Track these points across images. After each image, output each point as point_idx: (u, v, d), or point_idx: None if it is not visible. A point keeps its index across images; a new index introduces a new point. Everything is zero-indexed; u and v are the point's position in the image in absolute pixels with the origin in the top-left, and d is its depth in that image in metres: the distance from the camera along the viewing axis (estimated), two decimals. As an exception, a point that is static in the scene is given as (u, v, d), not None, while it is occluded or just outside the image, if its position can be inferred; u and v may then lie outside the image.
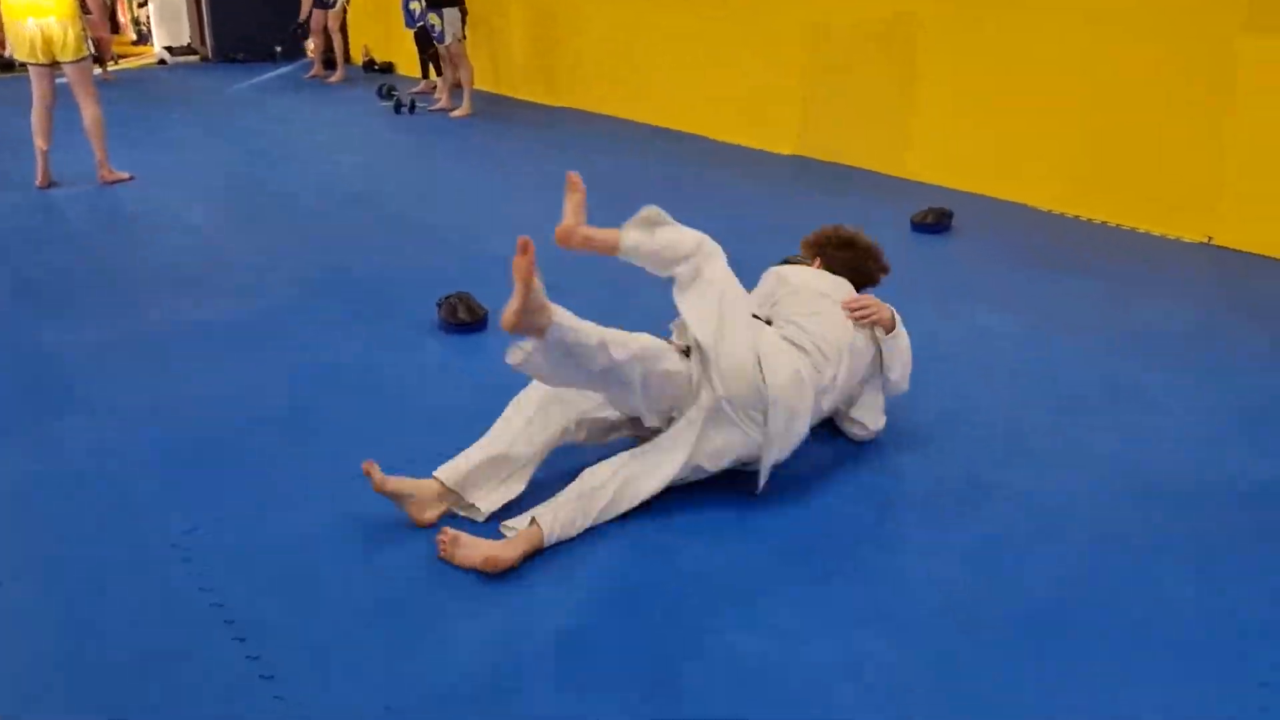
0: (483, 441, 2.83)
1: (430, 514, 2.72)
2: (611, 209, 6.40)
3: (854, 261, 3.25)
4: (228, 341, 3.99)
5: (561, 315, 2.62)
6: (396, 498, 2.71)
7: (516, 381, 3.49)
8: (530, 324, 2.56)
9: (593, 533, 2.69)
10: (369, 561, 2.60)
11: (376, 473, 2.68)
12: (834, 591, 2.47)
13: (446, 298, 4.14)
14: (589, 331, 2.65)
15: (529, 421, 2.85)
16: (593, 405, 2.92)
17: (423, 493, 2.72)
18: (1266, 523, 2.73)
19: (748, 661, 2.22)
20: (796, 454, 2.96)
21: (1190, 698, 2.12)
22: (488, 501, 2.77)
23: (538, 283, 2.57)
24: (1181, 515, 2.76)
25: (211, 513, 2.79)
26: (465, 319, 4.05)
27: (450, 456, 2.87)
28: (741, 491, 2.87)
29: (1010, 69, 5.86)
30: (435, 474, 2.75)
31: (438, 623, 2.37)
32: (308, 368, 3.72)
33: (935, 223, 5.38)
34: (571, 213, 2.97)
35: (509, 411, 2.90)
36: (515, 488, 2.80)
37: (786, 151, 7.25)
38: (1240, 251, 5.03)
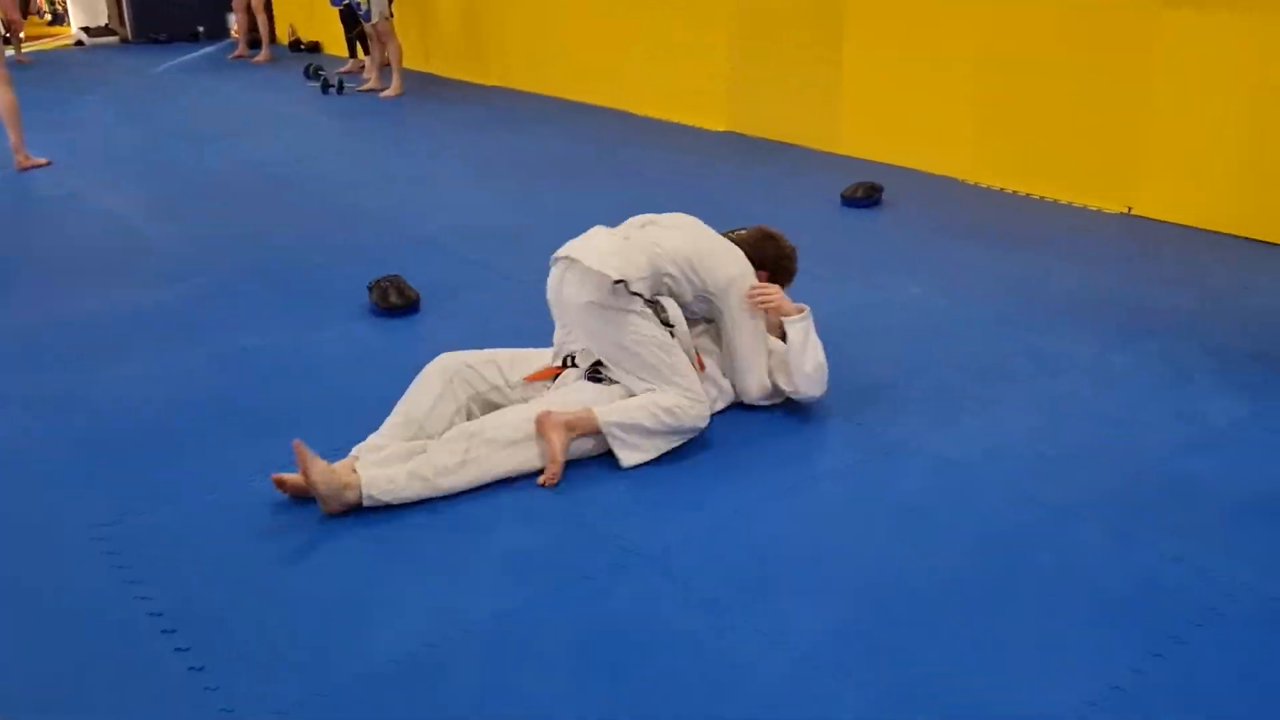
0: (394, 426, 2.90)
1: (348, 500, 2.68)
2: (543, 186, 6.41)
3: (767, 252, 3.24)
4: (150, 328, 3.91)
5: (370, 487, 2.66)
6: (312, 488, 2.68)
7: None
8: (343, 506, 2.65)
9: (525, 512, 2.70)
10: (298, 548, 2.58)
11: (289, 477, 2.72)
12: (764, 564, 2.50)
13: (377, 281, 4.10)
14: (404, 485, 2.70)
15: (437, 398, 2.94)
16: (489, 387, 3.02)
17: (334, 486, 2.64)
18: (1178, 487, 2.81)
19: (682, 637, 2.25)
20: (727, 426, 3.01)
21: (1091, 665, 2.19)
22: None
23: (320, 471, 2.62)
24: (1097, 481, 2.83)
25: (135, 502, 2.74)
26: (396, 302, 4.02)
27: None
28: (671, 467, 2.90)
29: (938, 43, 5.92)
30: (357, 469, 2.71)
31: (371, 607, 2.36)
32: (233, 354, 3.66)
33: (865, 197, 5.44)
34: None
35: (414, 393, 2.97)
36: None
37: (719, 128, 7.26)
38: (1159, 221, 5.15)
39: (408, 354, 3.66)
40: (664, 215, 3.23)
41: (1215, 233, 4.95)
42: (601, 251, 2.92)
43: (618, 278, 2.87)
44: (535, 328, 3.82)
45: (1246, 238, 4.85)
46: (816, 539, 2.60)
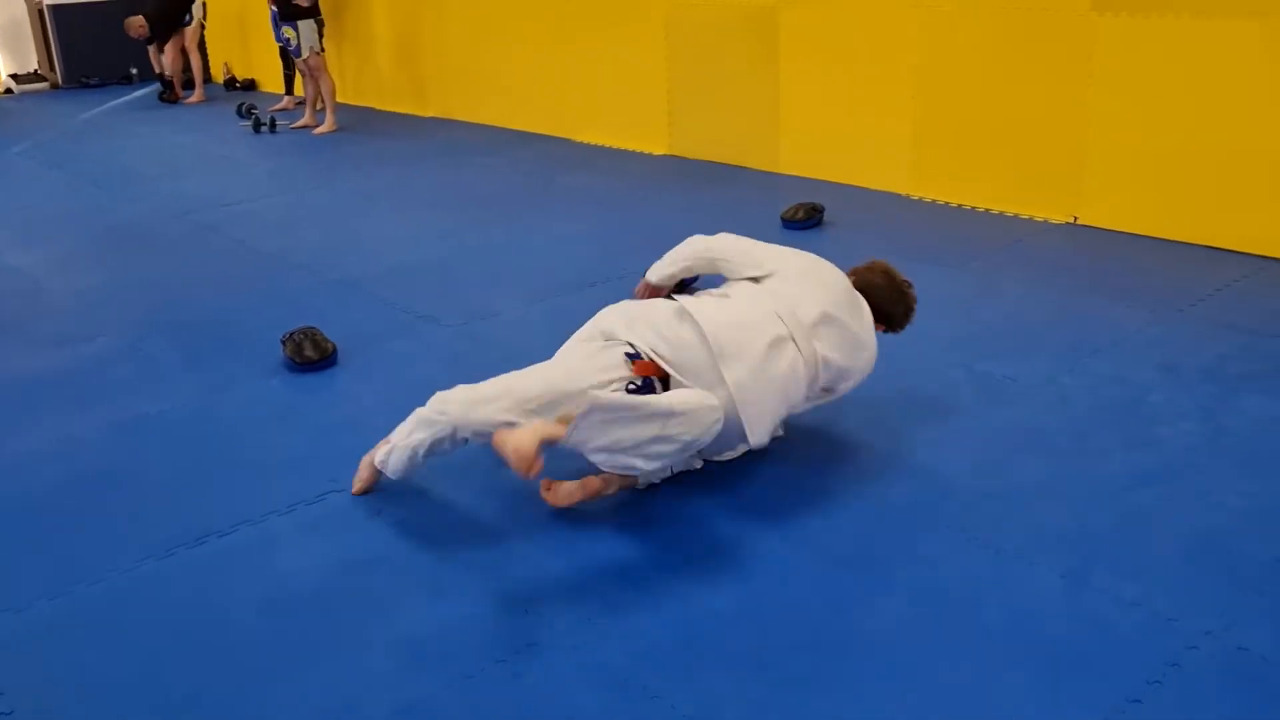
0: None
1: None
2: (478, 219, 6.20)
3: (896, 312, 3.07)
4: (42, 395, 3.66)
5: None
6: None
7: (366, 421, 3.28)
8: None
9: (434, 584, 2.49)
10: (176, 638, 2.35)
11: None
12: (689, 634, 2.30)
13: (291, 334, 3.88)
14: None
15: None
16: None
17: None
18: (1132, 523, 2.64)
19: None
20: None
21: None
22: None
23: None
24: (1045, 520, 2.66)
25: (6, 598, 2.51)
26: (312, 356, 3.79)
27: (291, 509, 2.82)
28: (599, 528, 2.70)
29: (873, 58, 5.79)
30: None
31: (256, 705, 2.14)
32: (132, 421, 3.42)
33: (806, 219, 5.28)
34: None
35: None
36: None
37: (659, 152, 7.11)
38: (1105, 230, 5.03)
39: (322, 411, 3.47)
40: (785, 265, 2.92)
41: (1163, 240, 4.83)
42: (764, 413, 2.63)
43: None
44: (453, 378, 3.63)
45: (1194, 244, 4.73)
46: (746, 600, 2.41)
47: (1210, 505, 2.69)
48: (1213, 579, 2.40)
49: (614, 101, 7.39)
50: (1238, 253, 4.59)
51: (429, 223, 5.75)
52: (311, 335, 3.86)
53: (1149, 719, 2.00)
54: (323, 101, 8.58)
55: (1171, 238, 4.82)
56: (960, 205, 5.57)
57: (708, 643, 2.27)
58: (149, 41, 10.76)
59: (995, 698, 2.07)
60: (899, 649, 2.22)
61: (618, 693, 2.13)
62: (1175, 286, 4.28)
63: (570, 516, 2.75)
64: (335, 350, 3.85)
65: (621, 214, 5.77)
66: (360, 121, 8.91)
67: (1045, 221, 5.23)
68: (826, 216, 5.37)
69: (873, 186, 5.92)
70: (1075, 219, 5.18)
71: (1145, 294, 4.21)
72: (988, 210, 5.45)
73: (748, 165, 6.53)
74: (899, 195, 5.79)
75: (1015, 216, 5.34)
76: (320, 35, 8.42)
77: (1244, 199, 4.59)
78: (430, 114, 9.00)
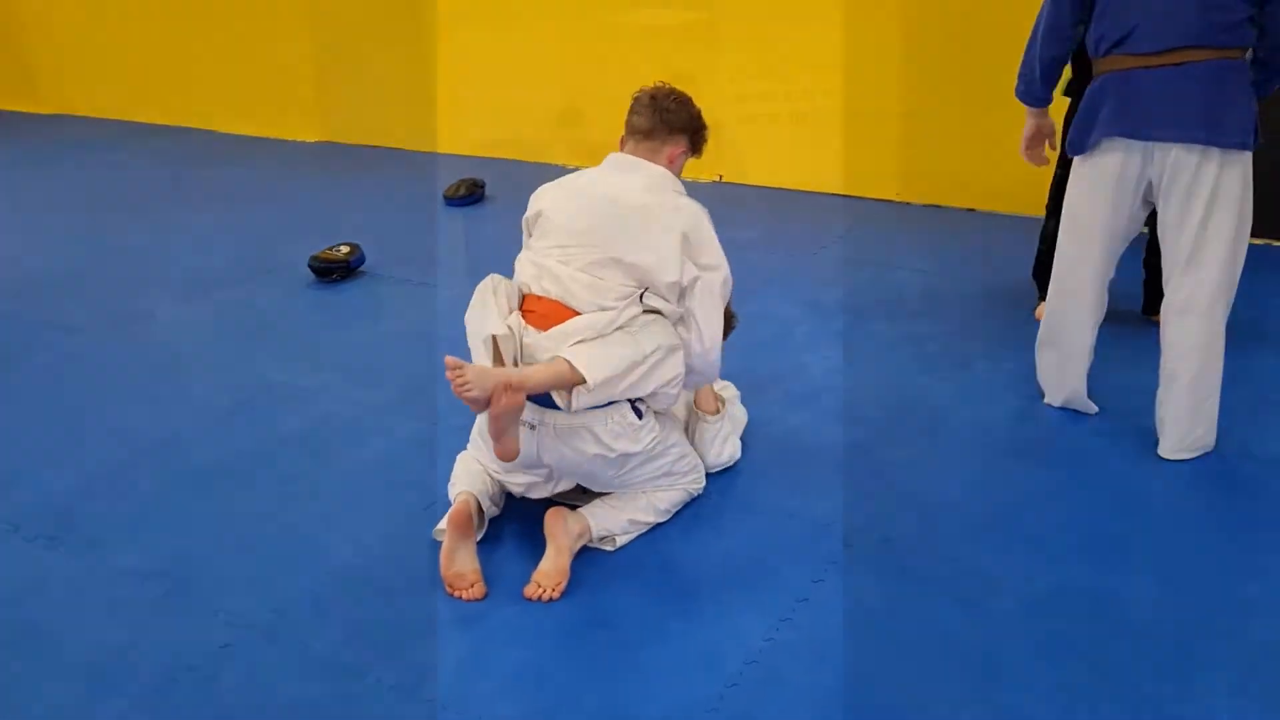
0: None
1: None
2: (113, 221, 5.71)
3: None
4: None
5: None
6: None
7: (11, 445, 3.01)
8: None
9: (109, 603, 2.33)
10: None
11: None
12: (390, 613, 2.31)
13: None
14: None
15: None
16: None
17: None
18: (788, 442, 2.91)
19: (305, 709, 2.01)
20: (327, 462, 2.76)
21: (725, 645, 2.19)
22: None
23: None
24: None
25: None
26: (-69, 381, 3.40)
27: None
28: (286, 518, 2.63)
29: (525, 34, 5.90)
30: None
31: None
32: None
33: (468, 195, 5.32)
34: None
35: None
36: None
37: (312, 139, 6.87)
38: (746, 185, 5.44)
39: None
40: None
41: (796, 190, 5.29)
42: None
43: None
44: (106, 387, 3.39)
45: (820, 192, 5.22)
46: (431, 575, 2.42)
47: (851, 420, 3.01)
48: (860, 485, 2.70)
49: (257, 88, 7.05)
50: (855, 198, 5.12)
51: (56, 228, 5.25)
52: (-71, 359, 3.45)
53: (815, 614, 2.23)
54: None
55: (801, 188, 5.28)
56: (615, 172, 5.81)
57: (405, 618, 2.28)
58: None
59: (684, 618, 2.24)
60: (575, 598, 2.34)
61: (320, 676, 2.10)
62: (808, 232, 4.71)
63: (255, 514, 2.65)
64: (-39, 373, 3.47)
65: (277, 204, 5.54)
66: (-40, 122, 7.96)
67: (695, 181, 5.56)
68: (488, 191, 5.43)
69: (531, 160, 6.05)
70: (720, 177, 5.55)
71: (784, 240, 4.60)
72: (640, 175, 5.72)
73: (406, 147, 6.47)
74: (557, 166, 5.94)
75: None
76: (-101, 27, 7.43)
77: (856, 150, 5.12)
78: (46, 110, 8.18)
